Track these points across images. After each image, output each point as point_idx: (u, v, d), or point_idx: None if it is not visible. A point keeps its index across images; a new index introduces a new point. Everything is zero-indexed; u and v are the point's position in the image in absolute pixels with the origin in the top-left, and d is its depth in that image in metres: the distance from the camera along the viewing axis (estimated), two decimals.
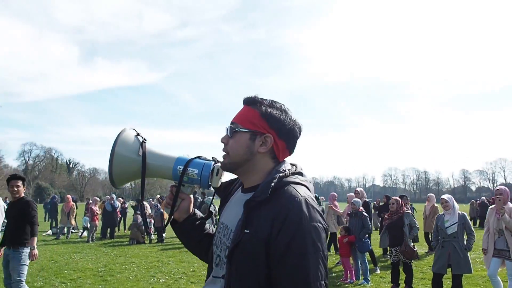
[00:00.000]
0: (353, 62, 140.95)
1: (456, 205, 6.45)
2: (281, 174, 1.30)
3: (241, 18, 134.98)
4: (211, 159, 1.55)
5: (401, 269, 7.13)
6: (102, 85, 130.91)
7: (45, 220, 21.60)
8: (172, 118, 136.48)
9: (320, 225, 1.23)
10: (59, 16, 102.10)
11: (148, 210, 16.17)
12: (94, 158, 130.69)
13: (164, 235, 14.26)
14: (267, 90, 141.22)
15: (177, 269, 8.74)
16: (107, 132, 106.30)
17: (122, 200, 18.03)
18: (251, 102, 1.40)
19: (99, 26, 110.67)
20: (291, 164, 1.43)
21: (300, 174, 1.38)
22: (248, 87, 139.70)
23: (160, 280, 7.68)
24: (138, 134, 1.57)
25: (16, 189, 5.26)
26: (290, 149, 1.40)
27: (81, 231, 15.64)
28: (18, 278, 5.16)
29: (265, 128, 1.34)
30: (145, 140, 1.55)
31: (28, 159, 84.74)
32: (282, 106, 1.39)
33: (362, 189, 9.41)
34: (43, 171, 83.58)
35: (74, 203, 15.15)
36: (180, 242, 1.90)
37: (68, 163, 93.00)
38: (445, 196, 6.43)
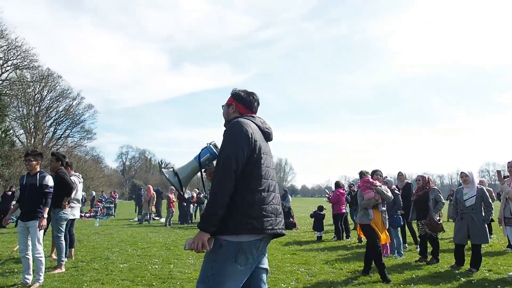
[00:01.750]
0: (444, 52, 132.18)
1: (476, 179, 6.76)
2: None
3: (322, 14, 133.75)
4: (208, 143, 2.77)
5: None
6: (189, 89, 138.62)
7: (134, 212, 24.45)
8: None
9: (244, 132, 2.37)
10: (150, 27, 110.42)
11: None
12: (183, 158, 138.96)
13: None
14: (350, 87, 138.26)
15: None
16: (194, 134, 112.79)
17: (197, 190, 19.80)
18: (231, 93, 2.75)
19: (186, 33, 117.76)
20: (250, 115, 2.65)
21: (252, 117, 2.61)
22: (331, 84, 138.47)
23: None
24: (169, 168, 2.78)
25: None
26: (249, 109, 2.65)
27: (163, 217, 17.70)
28: (57, 234, 6.50)
29: (232, 101, 2.69)
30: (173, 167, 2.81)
31: (125, 160, 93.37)
32: (246, 90, 2.71)
33: (404, 173, 9.69)
34: (139, 171, 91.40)
35: (154, 193, 17.23)
36: None
37: (160, 163, 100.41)
38: (465, 171, 6.75)
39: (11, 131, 32.83)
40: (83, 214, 20.47)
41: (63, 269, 6.41)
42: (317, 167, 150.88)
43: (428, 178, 7.62)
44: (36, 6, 79.20)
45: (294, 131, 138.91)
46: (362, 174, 7.22)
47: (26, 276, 5.40)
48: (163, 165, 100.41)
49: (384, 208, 6.41)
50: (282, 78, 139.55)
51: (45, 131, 38.56)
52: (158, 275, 6.12)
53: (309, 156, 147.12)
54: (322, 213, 11.99)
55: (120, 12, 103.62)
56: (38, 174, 5.56)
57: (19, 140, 36.06)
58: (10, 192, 16.14)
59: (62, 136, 40.62)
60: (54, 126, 39.98)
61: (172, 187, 16.59)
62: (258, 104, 2.72)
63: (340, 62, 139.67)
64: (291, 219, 14.59)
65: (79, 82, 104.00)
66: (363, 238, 8.92)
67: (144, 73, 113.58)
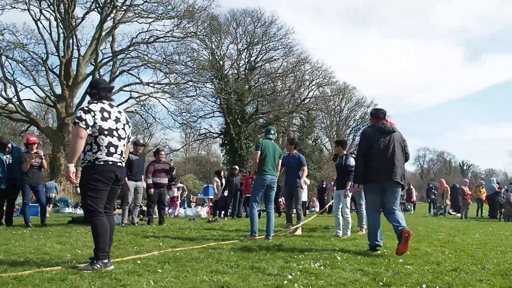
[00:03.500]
0: None
1: None
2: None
3: None
4: None
5: None
6: (490, 82, 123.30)
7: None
8: None
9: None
10: (440, 22, 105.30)
11: None
12: (489, 158, 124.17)
13: None
14: None
15: None
16: (497, 132, 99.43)
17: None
18: None
19: (481, 21, 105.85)
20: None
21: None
22: None
23: None
24: None
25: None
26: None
27: None
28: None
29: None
30: None
31: (423, 163, 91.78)
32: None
33: None
34: (438, 173, 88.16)
35: (447, 186, 17.24)
36: None
37: (462, 164, 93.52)
38: None
39: (319, 140, 38.82)
40: None
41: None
42: None
43: None
44: (330, 28, 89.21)
45: None
46: None
47: (337, 230, 7.16)
48: (465, 167, 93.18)
49: None
50: None
51: (346, 138, 43.40)
52: None
53: None
54: None
55: (408, 16, 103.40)
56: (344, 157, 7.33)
57: (325, 148, 41.97)
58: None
59: None
60: (353, 134, 44.45)
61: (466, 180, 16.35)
62: None
63: None
64: None
65: (372, 92, 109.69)
66: None
67: (436, 72, 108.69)
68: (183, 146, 43.45)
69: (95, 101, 3.88)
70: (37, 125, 25.84)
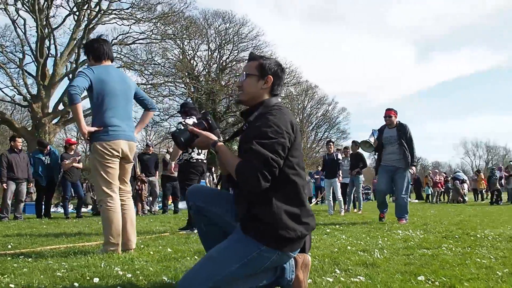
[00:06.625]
0: None
1: None
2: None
3: None
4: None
5: None
6: (439, 79, 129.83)
7: None
8: None
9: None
10: (393, 21, 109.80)
11: None
12: (436, 152, 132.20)
13: None
14: None
15: None
16: (444, 126, 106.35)
17: None
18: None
19: (434, 20, 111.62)
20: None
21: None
22: None
23: None
24: None
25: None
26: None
27: None
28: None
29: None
30: None
31: None
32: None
33: None
34: None
35: None
36: None
37: None
38: None
39: None
40: None
41: None
42: None
43: None
44: (291, 23, 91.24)
45: None
46: None
47: (330, 210, 9.11)
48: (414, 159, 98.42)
49: None
50: None
51: (308, 135, 45.80)
52: None
53: None
54: None
55: (365, 13, 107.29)
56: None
57: None
58: None
59: (322, 138, 47.12)
60: (315, 130, 46.91)
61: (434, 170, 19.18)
62: None
63: None
64: None
65: (333, 89, 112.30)
66: None
67: (391, 68, 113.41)
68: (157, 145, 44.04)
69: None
70: (11, 125, 25.98)
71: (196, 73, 32.97)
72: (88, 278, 2.52)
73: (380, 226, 6.18)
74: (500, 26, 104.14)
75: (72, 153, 9.55)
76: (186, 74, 30.82)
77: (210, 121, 2.23)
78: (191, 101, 28.67)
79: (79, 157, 9.77)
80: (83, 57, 25.71)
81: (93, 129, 3.42)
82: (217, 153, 2.07)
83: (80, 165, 9.64)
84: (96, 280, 2.47)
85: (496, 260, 3.15)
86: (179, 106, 6.13)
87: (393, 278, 2.54)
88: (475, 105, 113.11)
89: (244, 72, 2.18)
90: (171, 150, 8.44)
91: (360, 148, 8.40)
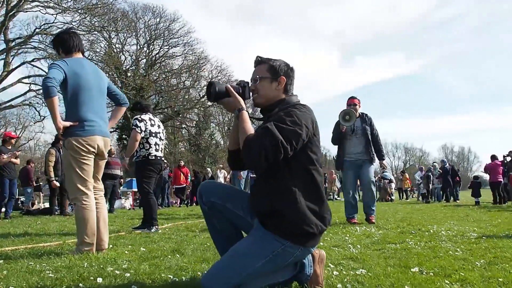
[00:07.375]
0: None
1: None
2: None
3: None
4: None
5: None
6: (362, 82, 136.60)
7: None
8: (437, 105, 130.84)
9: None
10: (320, 25, 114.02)
11: None
12: None
13: None
14: None
15: None
16: None
17: None
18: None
19: (356, 26, 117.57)
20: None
21: None
22: None
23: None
24: None
25: None
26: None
27: None
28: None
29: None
30: None
31: None
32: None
33: None
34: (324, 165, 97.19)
35: (335, 176, 20.80)
36: None
37: (334, 158, 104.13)
38: None
39: (214, 135, 40.93)
40: None
41: None
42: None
43: None
44: (220, 22, 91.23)
45: (484, 117, 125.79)
46: None
47: None
48: (333, 158, 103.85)
49: None
50: (467, 58, 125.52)
51: None
52: None
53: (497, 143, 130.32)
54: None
55: (292, 16, 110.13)
56: None
57: (220, 143, 44.17)
58: None
59: None
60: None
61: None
62: None
63: None
64: None
65: None
66: None
67: (316, 72, 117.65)
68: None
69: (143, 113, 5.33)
70: None
71: (124, 68, 31.66)
72: (92, 278, 2.40)
73: (332, 223, 6.35)
74: (416, 35, 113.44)
75: (10, 147, 8.60)
76: (113, 68, 29.50)
77: (246, 90, 2.21)
78: None
79: (18, 152, 8.86)
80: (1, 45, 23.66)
81: (68, 124, 3.23)
82: (239, 118, 2.07)
83: (18, 161, 8.74)
84: (99, 280, 2.36)
85: (465, 253, 3.36)
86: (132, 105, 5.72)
87: (387, 271, 2.61)
88: (394, 108, 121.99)
89: (257, 76, 2.20)
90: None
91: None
